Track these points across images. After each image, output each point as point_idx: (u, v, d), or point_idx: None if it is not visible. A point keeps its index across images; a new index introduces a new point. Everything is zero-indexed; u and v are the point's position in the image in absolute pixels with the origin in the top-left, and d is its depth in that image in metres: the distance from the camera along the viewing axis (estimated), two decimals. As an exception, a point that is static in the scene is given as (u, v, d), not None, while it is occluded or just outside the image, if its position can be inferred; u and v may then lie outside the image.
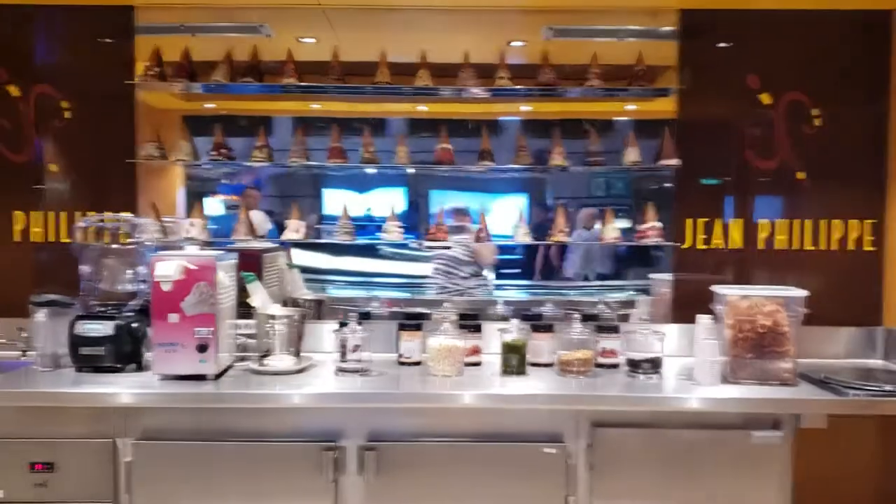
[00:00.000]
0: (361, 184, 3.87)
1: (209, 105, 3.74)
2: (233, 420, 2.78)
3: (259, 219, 3.78)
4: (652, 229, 3.54)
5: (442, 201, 3.87)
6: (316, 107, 3.80)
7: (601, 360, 3.21)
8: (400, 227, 3.61)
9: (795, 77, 3.55)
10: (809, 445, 2.83)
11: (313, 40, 3.61)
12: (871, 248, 3.57)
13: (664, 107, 3.58)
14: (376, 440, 2.76)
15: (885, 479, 3.51)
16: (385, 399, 2.80)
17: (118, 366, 3.04)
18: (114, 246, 3.17)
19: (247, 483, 2.72)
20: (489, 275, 4.02)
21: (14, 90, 3.50)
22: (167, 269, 2.81)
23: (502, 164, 3.59)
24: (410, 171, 3.71)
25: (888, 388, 2.81)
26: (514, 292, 4.04)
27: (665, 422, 2.76)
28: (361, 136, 3.58)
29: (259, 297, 3.15)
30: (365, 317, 3.43)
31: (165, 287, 2.82)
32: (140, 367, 3.10)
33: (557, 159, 3.54)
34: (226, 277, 3.01)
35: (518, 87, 3.54)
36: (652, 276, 3.72)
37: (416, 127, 3.78)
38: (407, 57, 3.55)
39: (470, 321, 3.32)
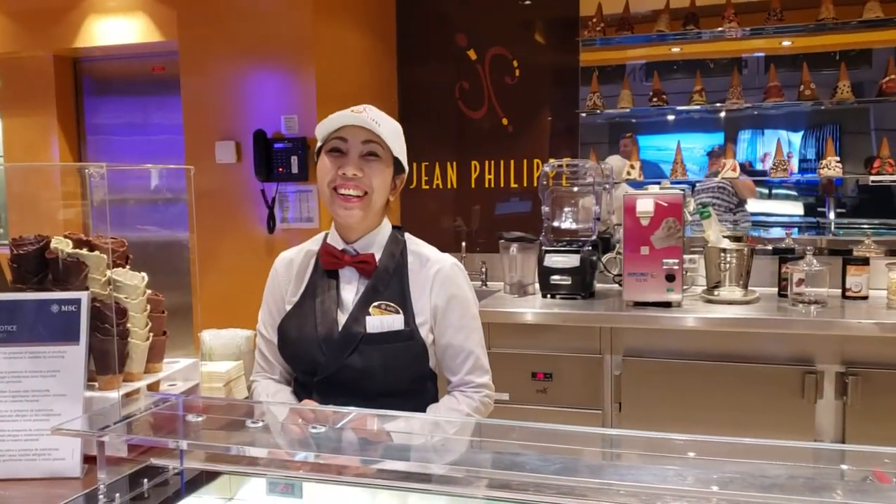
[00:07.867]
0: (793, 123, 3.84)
1: (641, 53, 3.93)
2: (700, 342, 3.02)
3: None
4: None
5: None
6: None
7: None
8: (838, 161, 3.58)
9: None
10: None
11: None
12: None
13: None
14: (850, 367, 2.84)
15: None
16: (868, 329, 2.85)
17: (580, 293, 3.42)
18: (575, 189, 3.54)
19: (725, 399, 2.95)
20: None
21: (472, 54, 4.01)
22: (646, 205, 3.10)
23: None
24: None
25: None
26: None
27: None
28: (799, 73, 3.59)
29: (713, 231, 3.34)
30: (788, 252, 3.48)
31: (644, 222, 3.11)
32: (593, 295, 3.47)
33: None
34: (686, 213, 3.25)
35: None
36: None
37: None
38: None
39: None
